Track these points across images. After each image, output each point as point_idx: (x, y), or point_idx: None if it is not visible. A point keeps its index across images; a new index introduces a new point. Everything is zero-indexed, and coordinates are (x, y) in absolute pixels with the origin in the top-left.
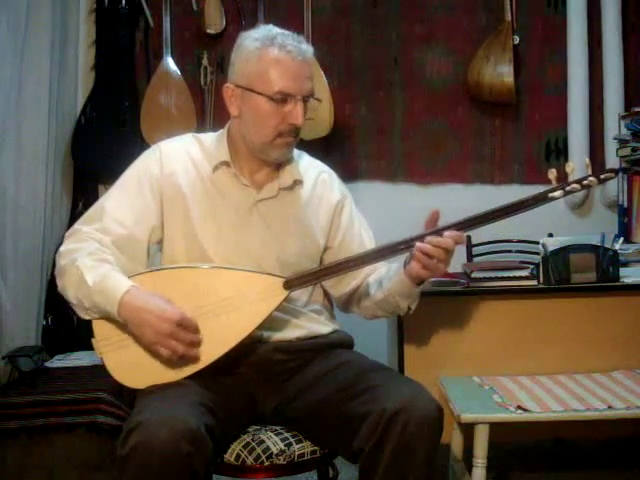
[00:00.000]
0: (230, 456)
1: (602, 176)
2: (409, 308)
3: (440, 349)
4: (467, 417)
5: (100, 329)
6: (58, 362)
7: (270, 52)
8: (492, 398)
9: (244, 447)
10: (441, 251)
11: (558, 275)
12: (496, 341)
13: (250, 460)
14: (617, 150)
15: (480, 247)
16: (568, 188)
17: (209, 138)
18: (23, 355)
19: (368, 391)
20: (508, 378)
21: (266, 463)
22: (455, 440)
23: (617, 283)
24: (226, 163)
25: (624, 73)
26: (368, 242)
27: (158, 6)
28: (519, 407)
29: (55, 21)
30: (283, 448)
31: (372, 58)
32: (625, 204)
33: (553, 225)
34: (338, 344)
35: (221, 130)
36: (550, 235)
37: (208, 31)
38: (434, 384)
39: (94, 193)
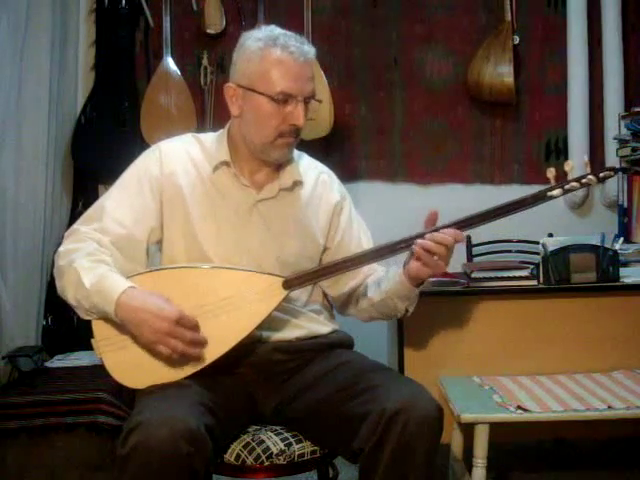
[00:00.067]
0: (230, 456)
1: (601, 174)
2: (407, 311)
3: (440, 349)
4: (467, 417)
5: (100, 329)
6: (58, 362)
7: (272, 53)
8: (492, 398)
9: (244, 447)
10: (442, 248)
11: (558, 275)
12: (496, 341)
13: (250, 460)
14: (617, 150)
15: (480, 247)
16: (567, 187)
17: (209, 138)
18: (23, 355)
19: (368, 391)
20: (508, 378)
21: (266, 463)
22: (455, 440)
23: (617, 283)
24: (226, 163)
25: (624, 73)
26: (366, 243)
27: (158, 6)
28: (519, 407)
29: (55, 21)
30: (283, 448)
31: (372, 58)
32: (625, 204)
33: (553, 225)
34: (338, 344)
35: (221, 130)
36: (550, 235)
37: (208, 31)
38: (434, 384)
39: (94, 193)
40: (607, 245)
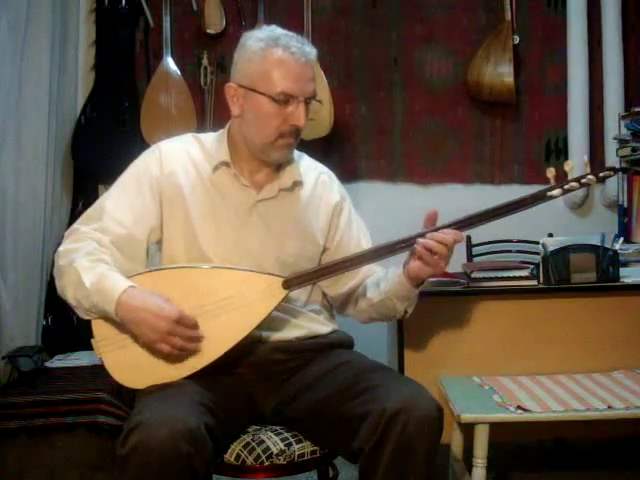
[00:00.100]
0: (230, 456)
1: (601, 174)
2: (406, 312)
3: (440, 349)
4: (467, 417)
5: (99, 329)
6: (58, 362)
7: (274, 53)
8: (492, 398)
9: (244, 447)
10: (441, 247)
11: (558, 275)
12: (496, 341)
13: (250, 460)
14: (617, 150)
15: (480, 247)
16: (567, 186)
17: (209, 138)
18: (23, 355)
19: (368, 391)
20: (508, 378)
21: (266, 463)
22: (455, 440)
23: (617, 283)
24: (226, 163)
25: (624, 73)
26: (365, 244)
27: (158, 6)
28: (519, 407)
29: (55, 21)
30: (283, 448)
31: (372, 58)
32: (625, 204)
33: (553, 225)
34: (338, 344)
35: (221, 130)
36: (550, 235)
37: (208, 31)
38: (434, 384)
39: (94, 193)
40: (607, 245)
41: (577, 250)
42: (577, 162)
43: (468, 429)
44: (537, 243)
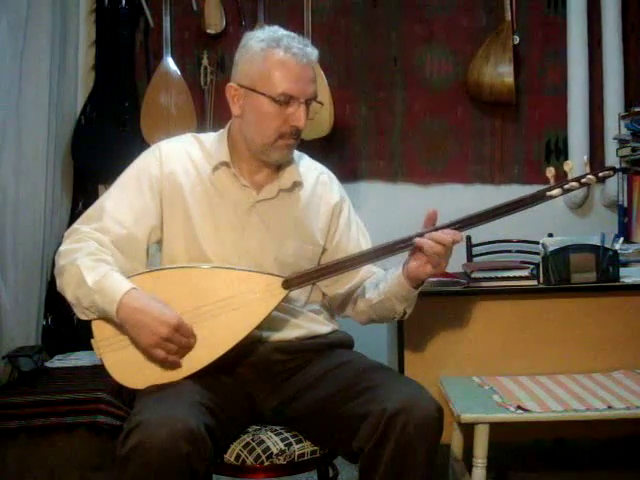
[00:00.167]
0: (230, 456)
1: (600, 174)
2: (405, 313)
3: (440, 349)
4: (467, 417)
5: (99, 330)
6: (58, 362)
7: (275, 54)
8: (492, 398)
9: (244, 447)
10: (440, 247)
11: (558, 275)
12: (496, 341)
13: (250, 460)
14: (617, 150)
15: (480, 247)
16: (566, 186)
17: (209, 138)
18: (23, 355)
19: (368, 391)
20: (508, 378)
21: (266, 463)
22: (455, 440)
23: (617, 283)
24: (226, 164)
25: (624, 73)
26: (365, 246)
27: (158, 6)
28: (519, 407)
29: (55, 21)
30: (283, 448)
31: (372, 58)
32: (625, 204)
33: (553, 225)
34: (338, 344)
35: (221, 130)
36: (550, 235)
37: (208, 31)
38: (434, 384)
39: (94, 193)
40: (607, 245)
41: (577, 250)
42: (577, 162)
43: (468, 429)
44: (537, 243)
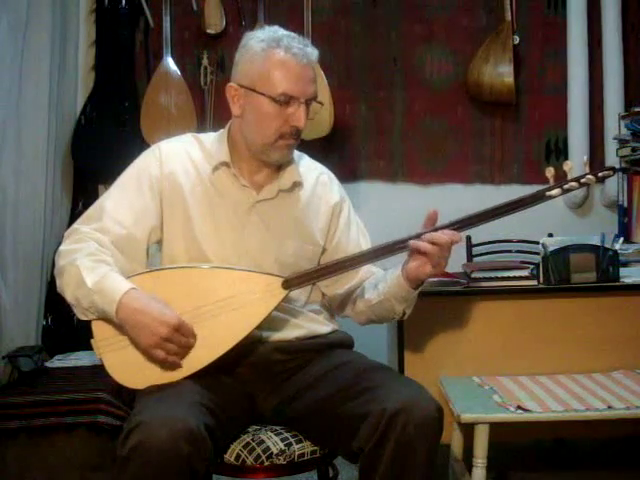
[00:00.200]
0: (230, 456)
1: (600, 174)
2: (404, 313)
3: (440, 349)
4: (467, 417)
5: (99, 330)
6: (58, 362)
7: (276, 54)
8: (492, 398)
9: (244, 447)
10: (435, 248)
11: (558, 275)
12: (496, 341)
13: (250, 460)
14: (617, 150)
15: (480, 247)
16: (566, 186)
17: (209, 138)
18: (23, 355)
19: (368, 391)
20: (508, 378)
21: (266, 463)
22: (455, 440)
23: (617, 283)
24: (226, 164)
25: (624, 73)
26: (365, 246)
27: (158, 6)
28: (519, 407)
29: (55, 21)
30: (283, 448)
31: (372, 58)
32: (625, 204)
33: (553, 225)
34: (338, 344)
35: (221, 130)
36: (550, 235)
37: (208, 31)
38: (434, 384)
39: (94, 193)
40: (607, 245)
41: (577, 250)
42: (577, 162)
43: (468, 429)
44: (537, 243)
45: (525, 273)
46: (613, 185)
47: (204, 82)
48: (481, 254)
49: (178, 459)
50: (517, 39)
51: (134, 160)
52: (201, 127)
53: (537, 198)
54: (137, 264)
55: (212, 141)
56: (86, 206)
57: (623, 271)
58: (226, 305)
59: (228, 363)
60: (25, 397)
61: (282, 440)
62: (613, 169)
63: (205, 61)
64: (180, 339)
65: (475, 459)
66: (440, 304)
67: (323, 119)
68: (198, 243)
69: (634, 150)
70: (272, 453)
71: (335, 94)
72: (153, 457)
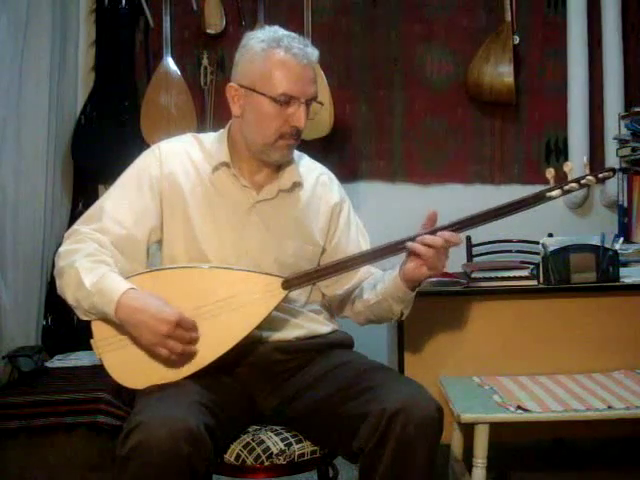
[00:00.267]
0: (230, 456)
1: (600, 175)
2: (402, 313)
3: (440, 349)
4: (467, 417)
5: (99, 330)
6: (58, 362)
7: (276, 54)
8: (492, 398)
9: (244, 447)
10: (431, 250)
11: (558, 275)
12: (496, 341)
13: (250, 460)
14: (617, 150)
15: (480, 247)
16: (566, 187)
17: (209, 138)
18: (23, 355)
19: (368, 391)
20: (508, 378)
21: (266, 463)
22: (455, 440)
23: (617, 283)
24: (226, 164)
25: (624, 73)
26: (364, 246)
27: (158, 6)
28: (519, 407)
29: (55, 21)
30: (283, 448)
31: (372, 58)
32: (625, 204)
33: (553, 225)
34: (338, 344)
35: (221, 130)
36: (550, 235)
37: (208, 31)
38: (434, 384)
39: (94, 193)
40: (607, 245)
41: (577, 250)
42: (577, 162)
43: (468, 429)
44: (537, 243)
45: (525, 273)
46: (613, 185)
47: (204, 82)
48: (481, 254)
49: (178, 459)
50: (517, 39)
51: (134, 160)
52: (201, 127)
53: (537, 199)
54: (137, 264)
55: (212, 141)
56: (86, 206)
57: (623, 271)
58: (226, 305)
59: (228, 363)
60: (25, 397)
61: (282, 440)
62: (613, 170)
63: (205, 61)
64: (183, 334)
65: (475, 459)
66: (440, 304)
67: (323, 119)
68: (198, 243)
69: (634, 150)
70: (272, 453)
71: (335, 94)
72: (153, 457)
